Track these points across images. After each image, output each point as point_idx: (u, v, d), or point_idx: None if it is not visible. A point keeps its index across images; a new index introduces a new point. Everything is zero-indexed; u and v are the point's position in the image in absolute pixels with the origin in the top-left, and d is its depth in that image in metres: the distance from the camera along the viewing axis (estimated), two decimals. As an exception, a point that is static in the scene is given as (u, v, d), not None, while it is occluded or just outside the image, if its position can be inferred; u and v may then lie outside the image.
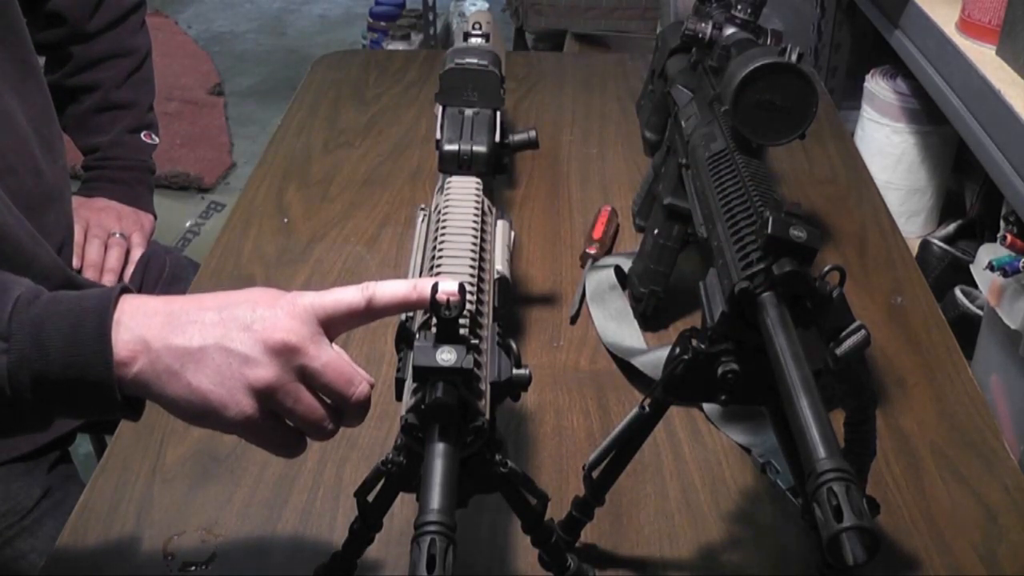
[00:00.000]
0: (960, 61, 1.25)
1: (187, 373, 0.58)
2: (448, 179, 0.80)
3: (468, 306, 0.61)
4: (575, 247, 1.14)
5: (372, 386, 0.62)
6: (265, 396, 0.59)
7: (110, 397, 0.58)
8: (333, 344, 0.61)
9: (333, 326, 0.61)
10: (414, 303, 0.61)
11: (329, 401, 0.61)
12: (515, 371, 0.60)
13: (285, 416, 0.61)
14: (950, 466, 0.86)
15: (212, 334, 0.58)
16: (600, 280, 1.05)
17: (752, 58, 0.76)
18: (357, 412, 0.62)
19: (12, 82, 0.97)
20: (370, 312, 0.61)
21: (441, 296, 0.55)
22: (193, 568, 0.76)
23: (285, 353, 0.58)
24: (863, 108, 1.74)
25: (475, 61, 0.90)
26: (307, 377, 0.60)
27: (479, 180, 0.79)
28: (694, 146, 0.82)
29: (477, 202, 0.75)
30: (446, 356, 0.54)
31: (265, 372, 0.58)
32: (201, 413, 0.59)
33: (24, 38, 1.00)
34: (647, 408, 0.69)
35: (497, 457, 0.61)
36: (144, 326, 0.58)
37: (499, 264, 0.71)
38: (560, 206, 1.23)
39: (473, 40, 0.97)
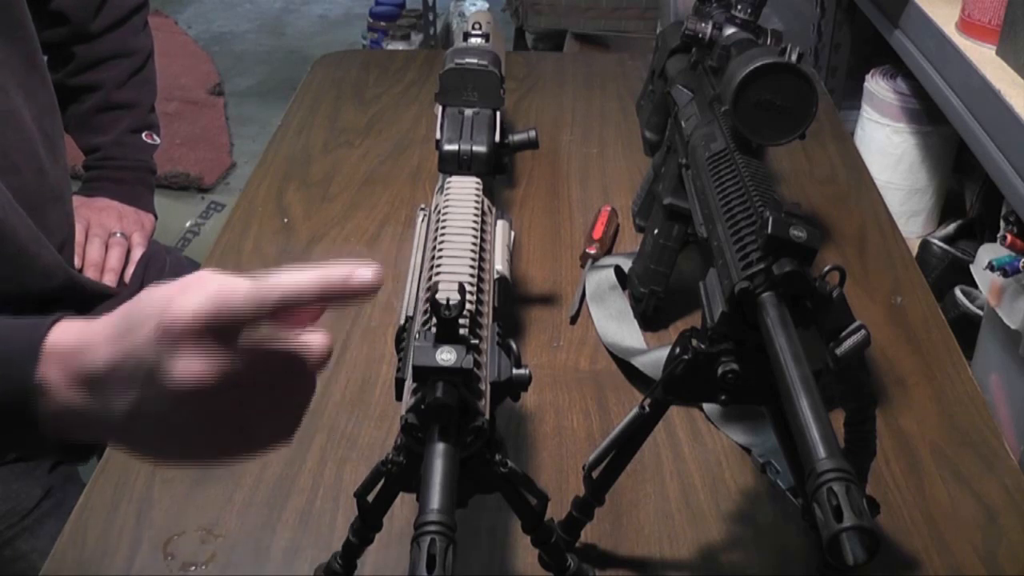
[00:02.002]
0: (960, 61, 1.24)
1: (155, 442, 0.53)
2: (448, 179, 0.80)
3: (468, 306, 0.61)
4: (575, 247, 1.14)
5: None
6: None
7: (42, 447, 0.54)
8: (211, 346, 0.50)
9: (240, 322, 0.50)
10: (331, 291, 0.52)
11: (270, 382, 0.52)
12: (515, 371, 0.60)
13: (245, 414, 0.52)
14: (950, 466, 0.86)
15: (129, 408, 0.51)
16: (600, 280, 1.05)
17: (752, 58, 0.76)
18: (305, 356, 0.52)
19: (19, 79, 0.97)
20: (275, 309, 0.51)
21: (441, 296, 0.55)
22: (193, 568, 0.76)
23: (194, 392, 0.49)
24: (863, 108, 1.73)
25: (475, 61, 0.90)
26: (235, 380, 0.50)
27: (479, 180, 0.79)
28: (694, 146, 0.82)
29: (477, 202, 0.75)
30: (446, 356, 0.54)
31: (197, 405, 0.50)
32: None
33: (31, 36, 1.00)
34: (647, 408, 0.69)
35: (497, 457, 0.61)
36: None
37: (499, 264, 0.72)
38: (560, 206, 1.23)
39: (473, 40, 0.97)
